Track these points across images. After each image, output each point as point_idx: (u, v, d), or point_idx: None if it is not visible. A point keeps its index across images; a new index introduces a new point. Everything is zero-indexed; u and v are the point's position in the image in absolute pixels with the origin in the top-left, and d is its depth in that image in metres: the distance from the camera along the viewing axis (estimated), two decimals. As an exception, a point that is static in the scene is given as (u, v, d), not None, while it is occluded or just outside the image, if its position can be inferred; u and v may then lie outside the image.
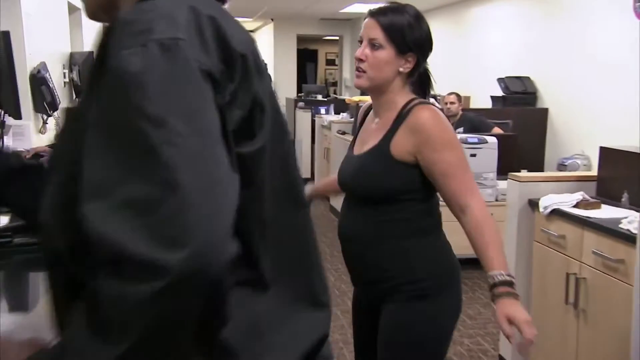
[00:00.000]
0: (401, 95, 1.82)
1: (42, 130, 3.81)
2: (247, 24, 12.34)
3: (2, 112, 3.12)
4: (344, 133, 6.57)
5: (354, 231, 1.85)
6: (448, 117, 2.03)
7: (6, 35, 2.83)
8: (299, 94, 10.89)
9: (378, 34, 1.77)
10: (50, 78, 3.67)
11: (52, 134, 4.00)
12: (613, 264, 2.57)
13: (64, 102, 4.01)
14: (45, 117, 3.76)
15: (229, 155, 0.74)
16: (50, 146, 3.53)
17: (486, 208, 1.75)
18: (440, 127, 1.74)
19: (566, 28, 5.43)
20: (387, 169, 1.77)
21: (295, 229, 0.95)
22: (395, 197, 1.78)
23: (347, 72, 12.47)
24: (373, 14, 1.81)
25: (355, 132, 2.01)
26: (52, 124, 3.94)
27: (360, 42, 1.82)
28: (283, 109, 0.96)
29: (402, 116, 1.78)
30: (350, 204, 1.89)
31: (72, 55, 4.48)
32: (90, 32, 5.08)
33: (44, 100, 3.65)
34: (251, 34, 0.90)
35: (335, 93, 12.81)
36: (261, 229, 0.86)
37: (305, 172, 8.48)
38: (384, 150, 1.78)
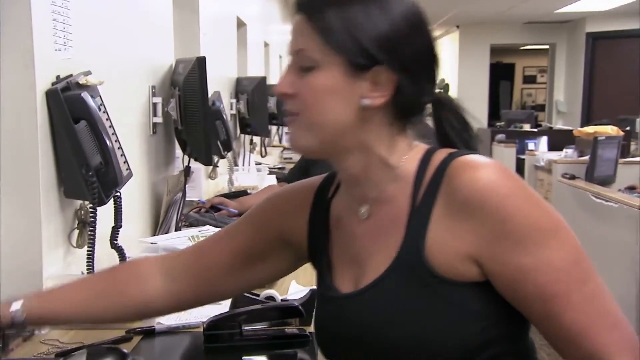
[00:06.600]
0: (396, 150, 0.95)
1: (212, 175, 3.06)
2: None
3: (188, 158, 2.39)
4: (573, 177, 4.43)
5: None
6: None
7: (202, 61, 2.05)
8: (496, 123, 8.35)
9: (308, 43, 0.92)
10: (224, 110, 2.92)
11: (224, 179, 3.26)
12: None
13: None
14: (217, 158, 2.98)
15: None
16: (224, 195, 2.80)
17: None
18: (528, 202, 0.88)
19: None
20: (432, 304, 0.89)
21: None
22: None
23: (561, 93, 10.33)
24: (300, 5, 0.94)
25: (322, 250, 1.05)
26: (225, 167, 3.19)
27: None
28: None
29: (433, 185, 0.91)
30: None
31: (238, 81, 3.76)
32: (255, 53, 4.38)
33: (217, 139, 2.88)
34: None
35: (536, 120, 8.86)
36: None
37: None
38: (413, 263, 0.91)
